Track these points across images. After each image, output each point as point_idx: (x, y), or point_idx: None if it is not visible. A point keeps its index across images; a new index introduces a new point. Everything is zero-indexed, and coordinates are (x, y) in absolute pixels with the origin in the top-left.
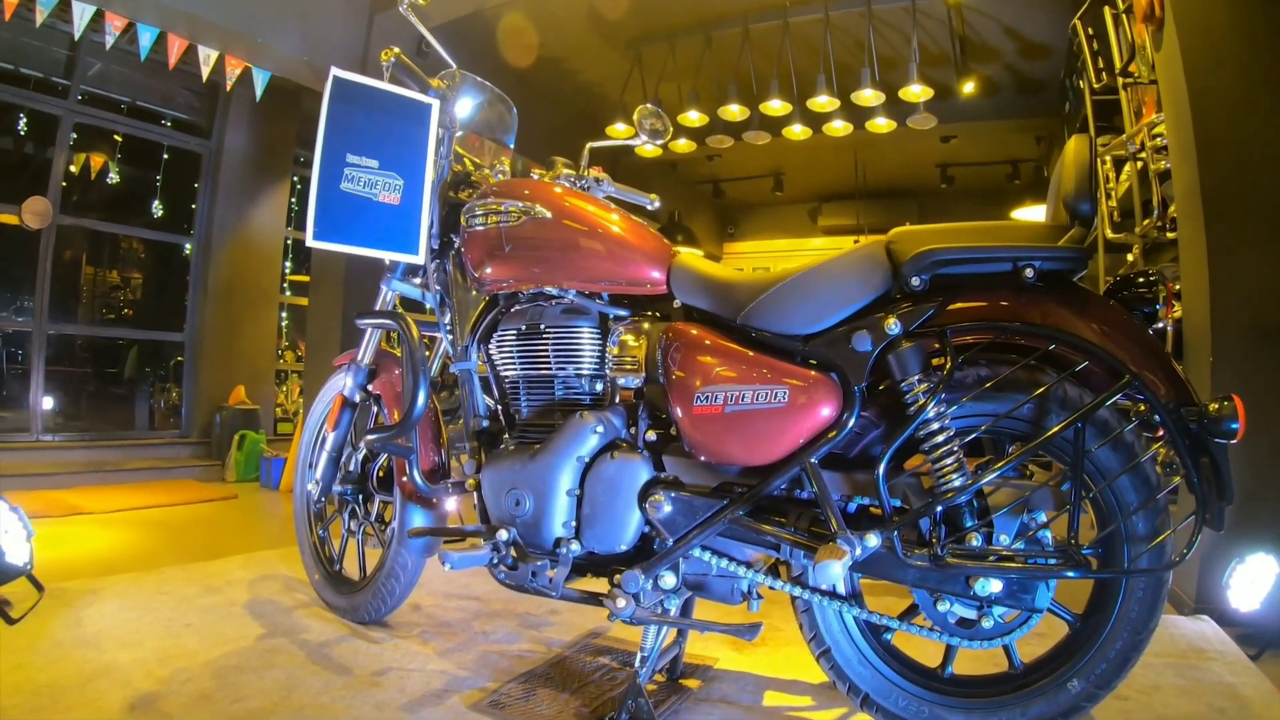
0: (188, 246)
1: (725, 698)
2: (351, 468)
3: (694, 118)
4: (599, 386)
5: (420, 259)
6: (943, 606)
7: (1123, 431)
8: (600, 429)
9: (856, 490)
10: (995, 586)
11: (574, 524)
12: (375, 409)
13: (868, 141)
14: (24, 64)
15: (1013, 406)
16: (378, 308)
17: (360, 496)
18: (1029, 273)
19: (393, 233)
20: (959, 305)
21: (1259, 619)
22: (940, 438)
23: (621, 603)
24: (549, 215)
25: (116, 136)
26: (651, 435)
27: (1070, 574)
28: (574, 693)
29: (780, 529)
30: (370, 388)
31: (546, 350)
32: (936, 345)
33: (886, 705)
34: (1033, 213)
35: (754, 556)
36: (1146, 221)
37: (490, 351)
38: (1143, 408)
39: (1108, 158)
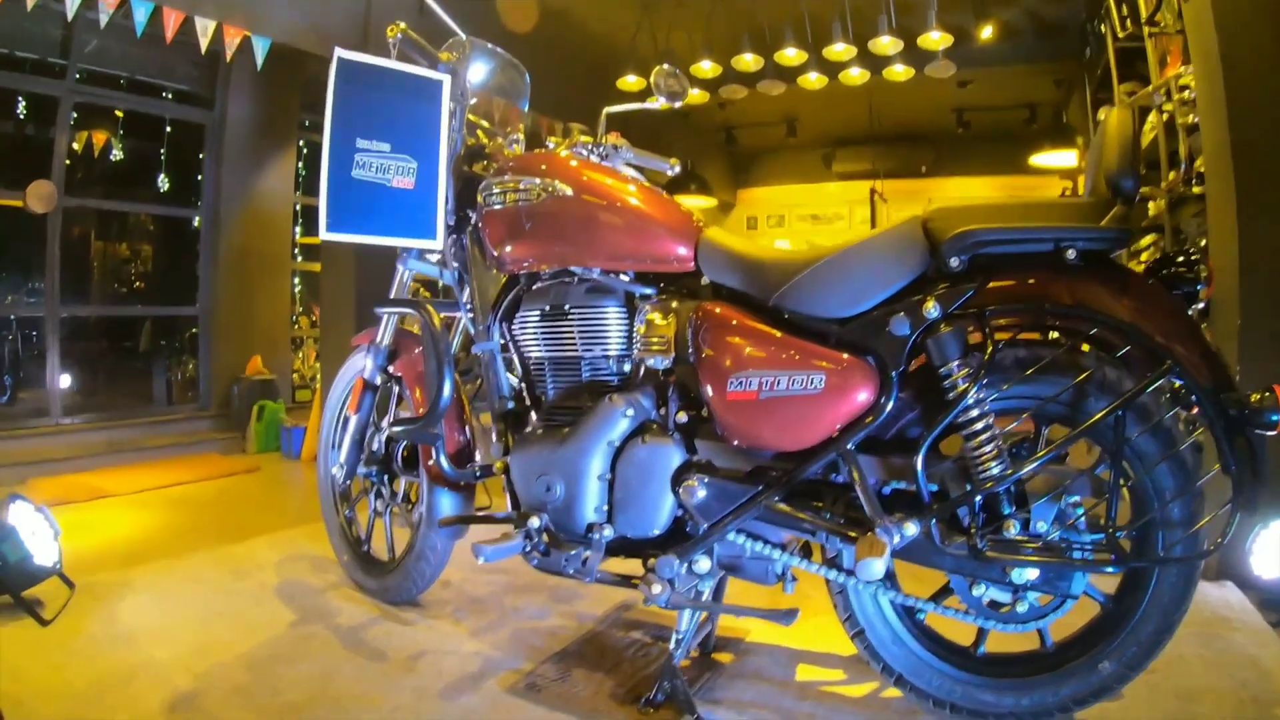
0: (196, 219)
1: (758, 672)
2: (375, 449)
3: (707, 68)
4: (627, 366)
5: (439, 244)
6: (977, 590)
7: (1163, 419)
8: (630, 412)
9: (892, 475)
10: (1031, 574)
11: (606, 508)
12: (396, 389)
13: (882, 87)
14: (19, 47)
15: (1056, 391)
16: (394, 290)
17: (385, 477)
18: (1071, 254)
19: (410, 219)
20: (998, 286)
21: None
22: (979, 424)
23: (657, 589)
24: (569, 192)
25: (118, 113)
26: (682, 416)
27: (1108, 569)
28: (608, 672)
29: (816, 515)
30: (391, 369)
31: (572, 331)
32: (973, 327)
33: (919, 684)
34: (1050, 158)
35: (788, 538)
36: (1173, 175)
37: (514, 332)
38: (1180, 389)
39: (1135, 107)
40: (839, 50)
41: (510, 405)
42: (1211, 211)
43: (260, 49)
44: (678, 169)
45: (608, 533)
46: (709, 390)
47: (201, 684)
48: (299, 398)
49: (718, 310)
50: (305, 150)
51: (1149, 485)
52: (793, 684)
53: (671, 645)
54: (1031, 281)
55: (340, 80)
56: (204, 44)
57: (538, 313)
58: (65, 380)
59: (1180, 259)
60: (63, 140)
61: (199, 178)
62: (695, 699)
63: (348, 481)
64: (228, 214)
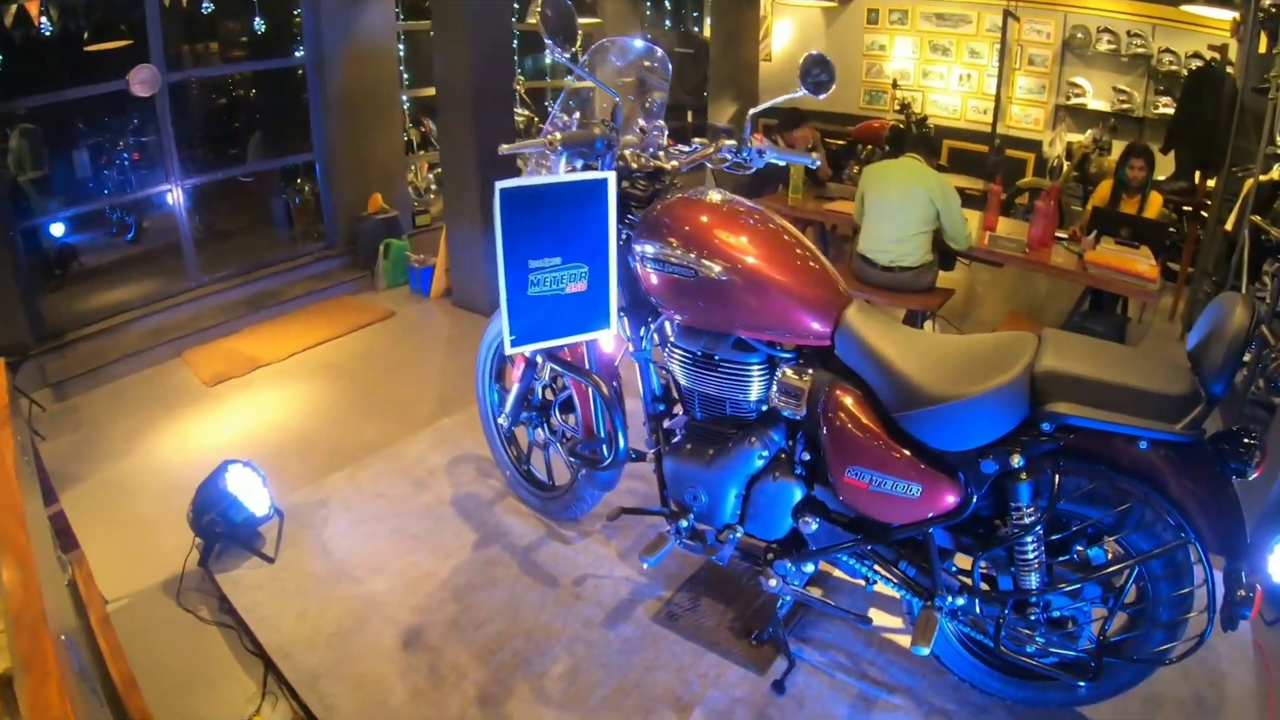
0: (300, 68)
1: (836, 613)
2: (535, 399)
3: None
4: (764, 408)
5: (612, 331)
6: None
7: (1181, 565)
8: (765, 453)
9: (957, 546)
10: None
11: (739, 514)
12: (562, 376)
13: None
14: None
15: (1102, 516)
16: None
17: (544, 420)
18: (1143, 445)
19: (585, 317)
20: (1076, 446)
21: None
22: (1030, 550)
23: (773, 582)
24: (721, 275)
25: None
26: (806, 456)
27: (1081, 684)
28: (728, 603)
29: (895, 563)
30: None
31: (720, 378)
32: (1048, 469)
33: (952, 666)
34: (1201, 10)
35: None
36: None
37: (667, 357)
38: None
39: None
40: None
41: (660, 407)
42: None
43: None
44: (819, 162)
45: (739, 533)
46: (830, 464)
47: (420, 619)
48: (418, 222)
49: (849, 401)
50: None
51: (1150, 601)
52: (859, 629)
53: (778, 605)
54: (1102, 452)
55: (505, 209)
56: None
57: (690, 355)
58: (198, 246)
59: (1244, 440)
60: (155, 17)
61: (296, 21)
62: (790, 637)
63: (512, 428)
64: (332, 56)
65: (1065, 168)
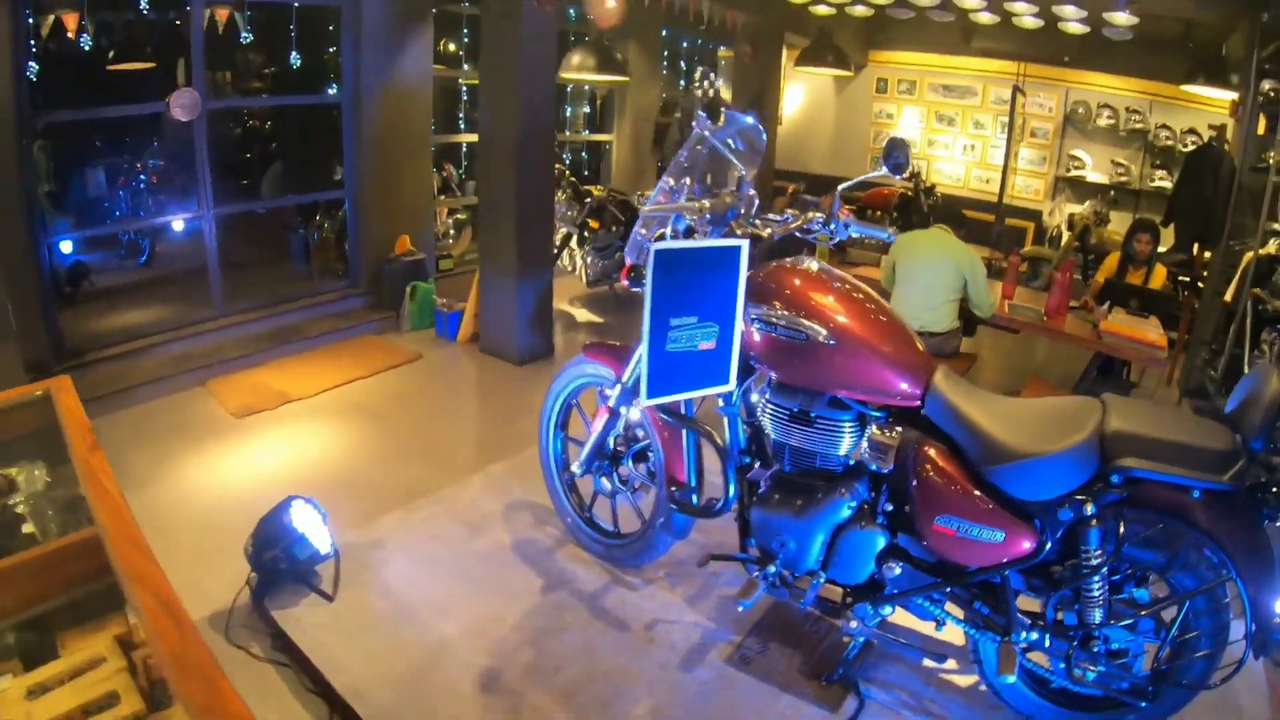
0: (336, 105)
1: (899, 654)
2: (607, 449)
3: None
4: (852, 462)
5: (731, 387)
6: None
7: (1220, 601)
8: (853, 504)
9: (1028, 586)
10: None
11: (822, 560)
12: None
13: None
14: None
15: (1154, 559)
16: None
17: (614, 469)
18: (1195, 494)
19: (710, 373)
20: (1139, 495)
21: None
22: (1096, 589)
23: (854, 624)
24: (828, 339)
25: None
26: (889, 506)
27: (1141, 703)
28: (796, 647)
29: (971, 603)
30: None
31: (813, 432)
32: (1112, 516)
33: (1010, 700)
34: (1201, 90)
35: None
36: None
37: (759, 413)
38: None
39: None
40: None
41: (746, 460)
42: None
43: None
44: (895, 237)
45: (821, 579)
46: (919, 513)
47: (495, 662)
48: (441, 266)
49: (937, 456)
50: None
51: (1193, 632)
52: (920, 668)
53: (849, 645)
54: (1163, 500)
55: (658, 270)
56: None
57: (786, 411)
58: (224, 276)
59: (1275, 490)
60: (199, 46)
61: (327, 57)
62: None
63: (584, 474)
64: (369, 96)
65: (1066, 238)
